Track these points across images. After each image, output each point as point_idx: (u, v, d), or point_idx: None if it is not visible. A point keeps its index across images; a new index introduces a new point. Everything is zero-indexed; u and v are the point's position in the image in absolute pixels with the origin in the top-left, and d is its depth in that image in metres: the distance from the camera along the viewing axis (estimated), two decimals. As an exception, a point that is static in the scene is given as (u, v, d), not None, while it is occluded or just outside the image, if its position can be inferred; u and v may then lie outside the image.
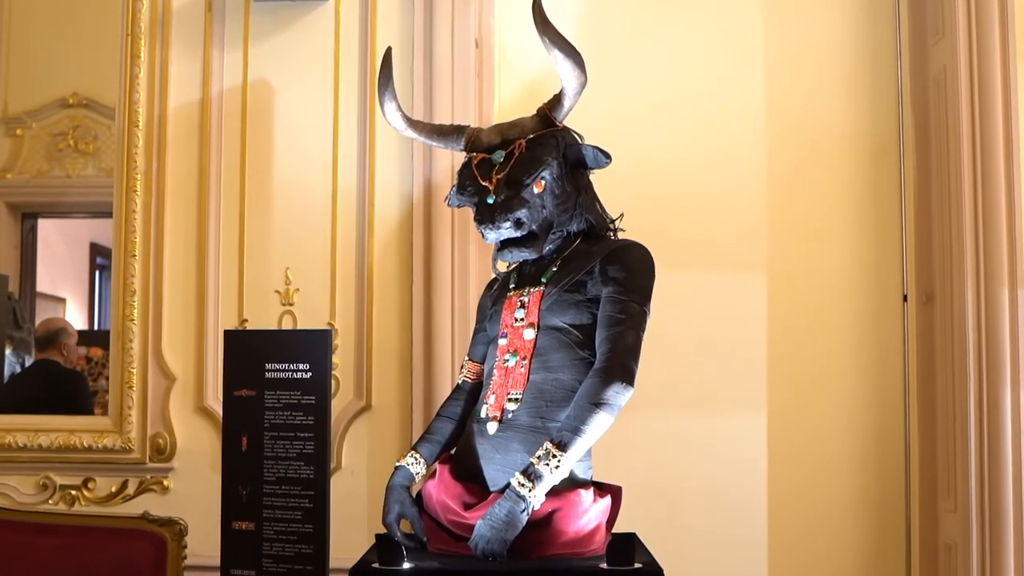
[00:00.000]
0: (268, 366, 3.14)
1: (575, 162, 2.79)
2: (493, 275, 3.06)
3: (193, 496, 3.82)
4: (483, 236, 2.74)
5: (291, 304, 3.85)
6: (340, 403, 3.77)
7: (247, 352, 3.18)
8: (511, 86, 4.00)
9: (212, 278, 3.90)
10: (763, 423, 3.95)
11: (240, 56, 3.96)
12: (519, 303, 2.82)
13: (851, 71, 4.05)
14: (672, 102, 4.05)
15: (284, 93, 3.93)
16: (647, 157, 3.96)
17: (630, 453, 3.72)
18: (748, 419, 3.95)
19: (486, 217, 2.70)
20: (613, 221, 2.95)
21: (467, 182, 2.79)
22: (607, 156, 2.77)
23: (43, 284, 4.38)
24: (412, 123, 3.00)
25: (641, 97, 4.04)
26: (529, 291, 2.81)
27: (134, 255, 3.91)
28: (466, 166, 2.83)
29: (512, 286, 2.89)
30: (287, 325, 3.84)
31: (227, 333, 3.27)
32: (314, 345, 3.12)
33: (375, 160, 3.83)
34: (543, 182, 2.73)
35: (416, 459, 2.92)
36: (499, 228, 2.69)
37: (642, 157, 3.93)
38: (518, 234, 2.71)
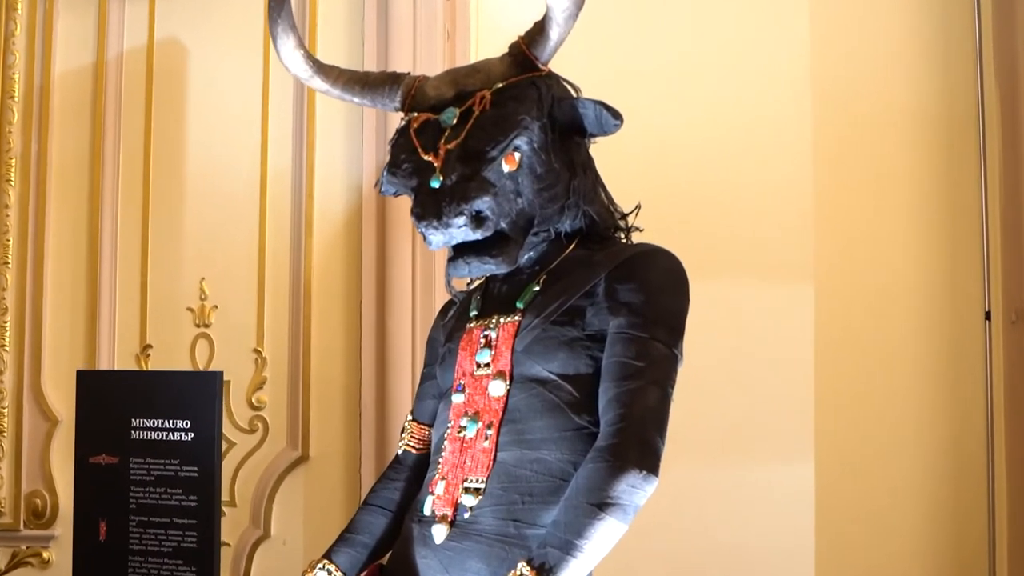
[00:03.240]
0: (135, 422, 2.53)
1: (567, 125, 2.01)
2: (450, 295, 2.30)
3: (81, 572, 3.31)
4: (425, 239, 1.95)
5: (207, 325, 3.38)
6: (269, 453, 3.31)
7: (107, 402, 2.59)
8: (492, 50, 3.36)
9: (107, 292, 3.45)
10: (810, 473, 3.45)
11: (145, 8, 3.51)
12: (482, 340, 2.03)
13: (915, 28, 3.66)
14: (696, 69, 3.57)
15: (200, 55, 3.51)
16: (663, 137, 3.50)
17: (644, 509, 3.21)
18: (791, 467, 3.47)
19: (429, 210, 1.90)
20: (625, 216, 2.16)
21: (402, 156, 2.00)
22: (616, 116, 1.98)
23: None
24: (322, 69, 2.18)
25: (657, 62, 3.56)
26: (499, 322, 2.04)
27: (6, 263, 3.47)
28: (402, 133, 2.04)
29: (473, 314, 2.11)
30: (202, 352, 3.37)
31: (80, 375, 2.71)
32: (199, 393, 2.53)
33: (315, 140, 3.36)
34: (517, 155, 1.94)
35: (330, 573, 2.13)
36: (448, 226, 1.91)
37: (657, 137, 3.46)
38: (478, 235, 1.93)
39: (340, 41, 3.26)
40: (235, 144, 3.44)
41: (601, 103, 1.95)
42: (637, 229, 2.15)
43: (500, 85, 1.98)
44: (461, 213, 1.88)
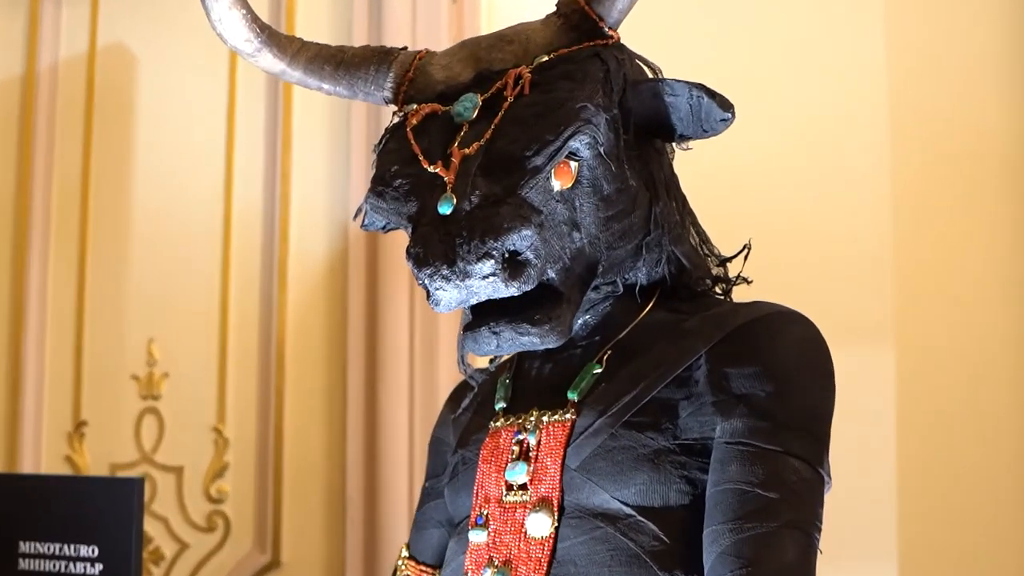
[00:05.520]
0: (24, 547, 2.00)
1: (646, 122, 1.37)
2: (463, 375, 1.64)
3: None
4: (429, 297, 1.31)
5: (156, 397, 3.04)
6: (231, 557, 2.96)
7: (-12, 516, 2.05)
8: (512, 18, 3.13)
9: (33, 354, 3.15)
10: (892, 576, 3.18)
11: (86, 9, 3.23)
12: (515, 449, 1.39)
13: (1011, 41, 3.36)
14: (755, 92, 3.06)
15: (152, 65, 3.21)
16: (720, 170, 3.03)
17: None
18: (869, 571, 3.10)
19: (435, 249, 1.27)
20: (726, 261, 1.53)
21: (395, 167, 1.36)
22: (726, 106, 1.35)
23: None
24: (275, 39, 1.52)
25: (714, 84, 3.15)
26: (540, 421, 1.39)
27: (-89, 318, 3.15)
28: (394, 133, 1.40)
29: (500, 406, 1.46)
30: (149, 428, 3.01)
31: (-49, 479, 2.19)
32: (111, 507, 1.91)
33: (291, 168, 3.01)
34: (575, 164, 1.31)
35: None
36: (467, 275, 1.26)
37: (704, 174, 3.16)
38: (513, 290, 1.27)
39: (322, 18, 2.94)
40: (194, 173, 3.11)
41: (702, 87, 1.32)
42: (745, 281, 1.52)
43: (545, 58, 1.35)
44: (488, 255, 1.22)
